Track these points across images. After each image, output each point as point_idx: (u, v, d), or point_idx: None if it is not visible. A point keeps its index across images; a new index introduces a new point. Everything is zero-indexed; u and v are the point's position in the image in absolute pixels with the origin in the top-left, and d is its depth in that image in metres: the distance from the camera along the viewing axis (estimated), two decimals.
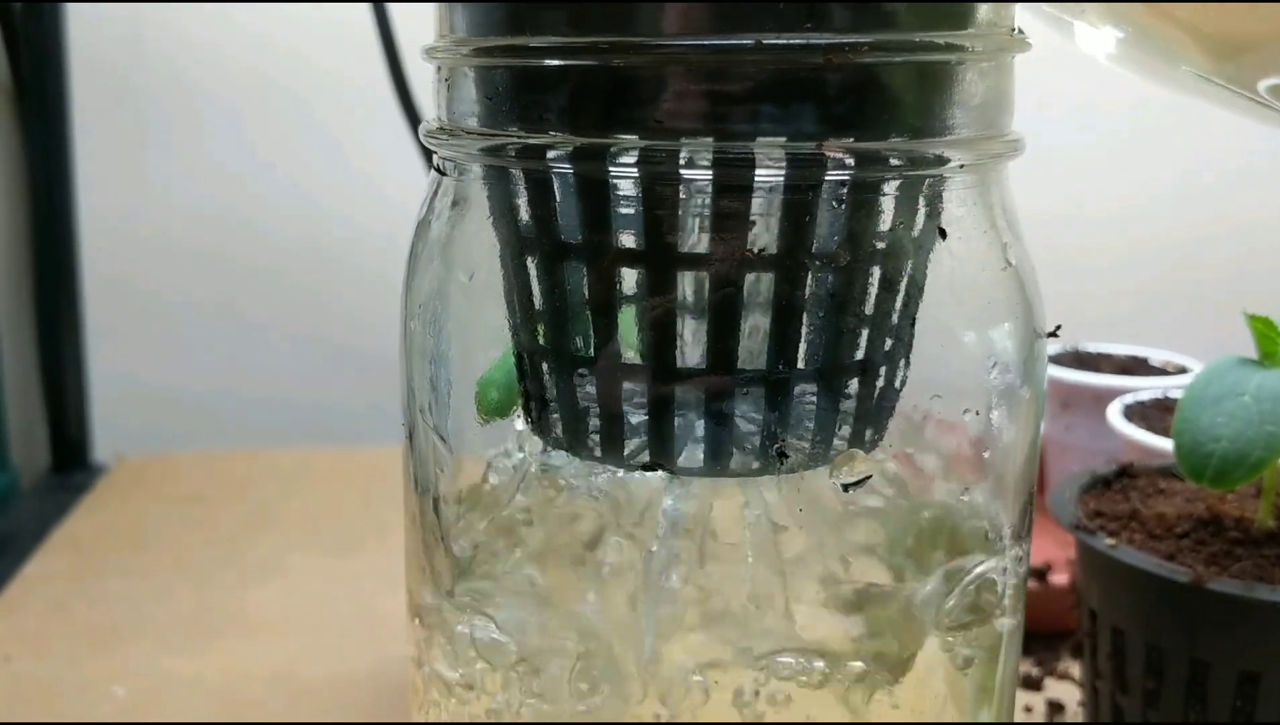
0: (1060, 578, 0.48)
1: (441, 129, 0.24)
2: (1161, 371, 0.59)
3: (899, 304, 0.22)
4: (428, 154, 0.57)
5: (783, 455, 0.23)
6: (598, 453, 0.24)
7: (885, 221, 0.22)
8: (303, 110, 0.75)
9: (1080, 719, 0.43)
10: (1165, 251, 0.81)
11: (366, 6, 0.61)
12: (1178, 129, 0.78)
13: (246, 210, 0.76)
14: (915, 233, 0.22)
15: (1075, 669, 0.46)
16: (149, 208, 0.76)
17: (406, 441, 0.27)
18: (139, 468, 0.69)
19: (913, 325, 0.23)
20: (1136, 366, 0.60)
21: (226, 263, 0.77)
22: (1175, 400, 0.53)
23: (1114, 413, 0.51)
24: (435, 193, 0.25)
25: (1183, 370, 0.59)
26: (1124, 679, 0.36)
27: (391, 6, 0.58)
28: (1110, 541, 0.36)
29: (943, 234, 0.22)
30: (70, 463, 0.72)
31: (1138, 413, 0.52)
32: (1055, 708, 0.44)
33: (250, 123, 0.75)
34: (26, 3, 0.68)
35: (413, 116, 0.57)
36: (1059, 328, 0.25)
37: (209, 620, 0.51)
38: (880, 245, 0.22)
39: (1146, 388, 0.54)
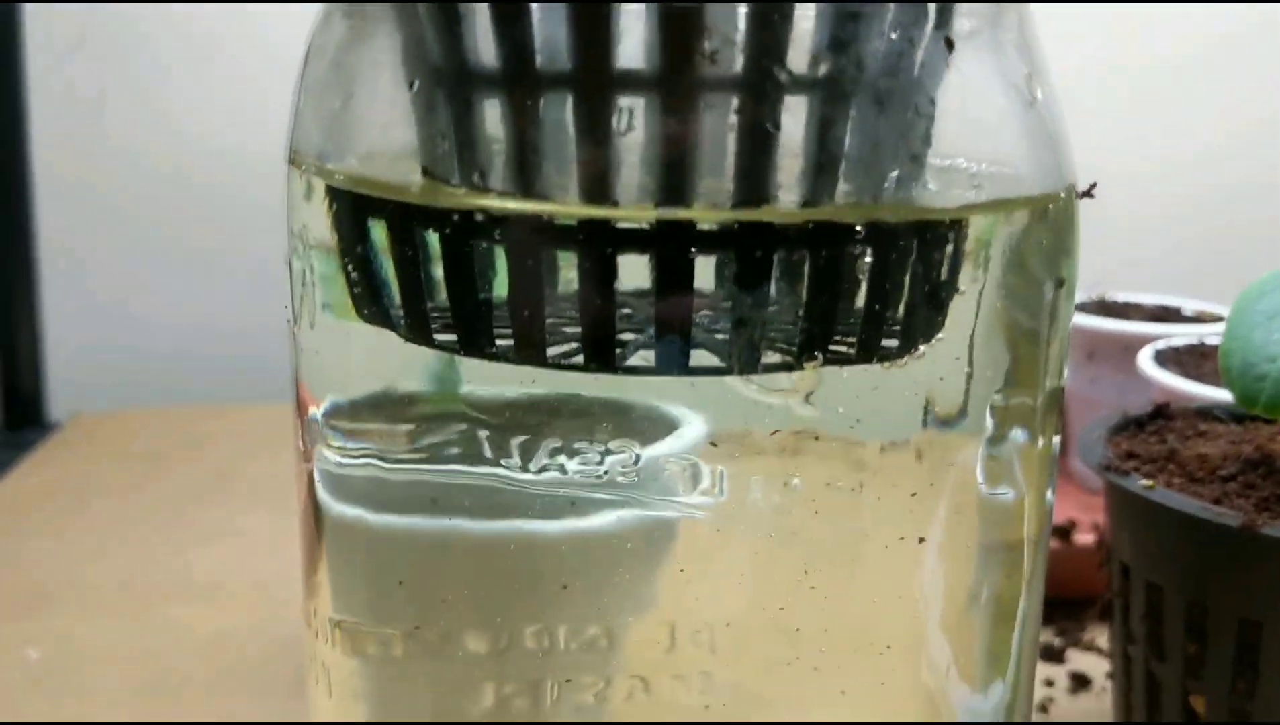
0: (1085, 538, 0.43)
1: None
2: (1196, 321, 0.54)
3: (902, 138, 0.18)
4: None
5: (751, 339, 0.18)
6: (512, 354, 0.19)
7: (881, 28, 0.17)
8: (270, 53, 0.70)
9: (1109, 694, 0.38)
10: (1196, 209, 0.76)
11: None
12: (1209, 84, 0.73)
13: (208, 159, 0.71)
14: (919, 48, 0.18)
15: (1102, 638, 0.41)
16: (107, 154, 0.71)
17: (292, 349, 0.22)
18: (93, 424, 0.64)
19: (919, 168, 0.18)
20: (1167, 316, 0.55)
21: (188, 210, 0.72)
22: (1212, 346, 0.48)
23: (1145, 359, 0.46)
24: (320, 22, 0.21)
25: (1218, 320, 0.54)
26: (1161, 643, 0.31)
27: None
28: (1146, 483, 0.31)
29: (950, 45, 0.18)
30: (24, 420, 0.68)
31: (1171, 359, 0.47)
32: (1080, 681, 0.39)
33: (213, 68, 0.70)
34: None
35: None
36: (1094, 186, 0.20)
37: (145, 584, 0.46)
38: (874, 59, 0.17)
39: (1180, 334, 0.49)
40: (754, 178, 0.17)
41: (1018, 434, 0.22)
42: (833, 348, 0.19)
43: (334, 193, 0.20)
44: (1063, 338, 0.22)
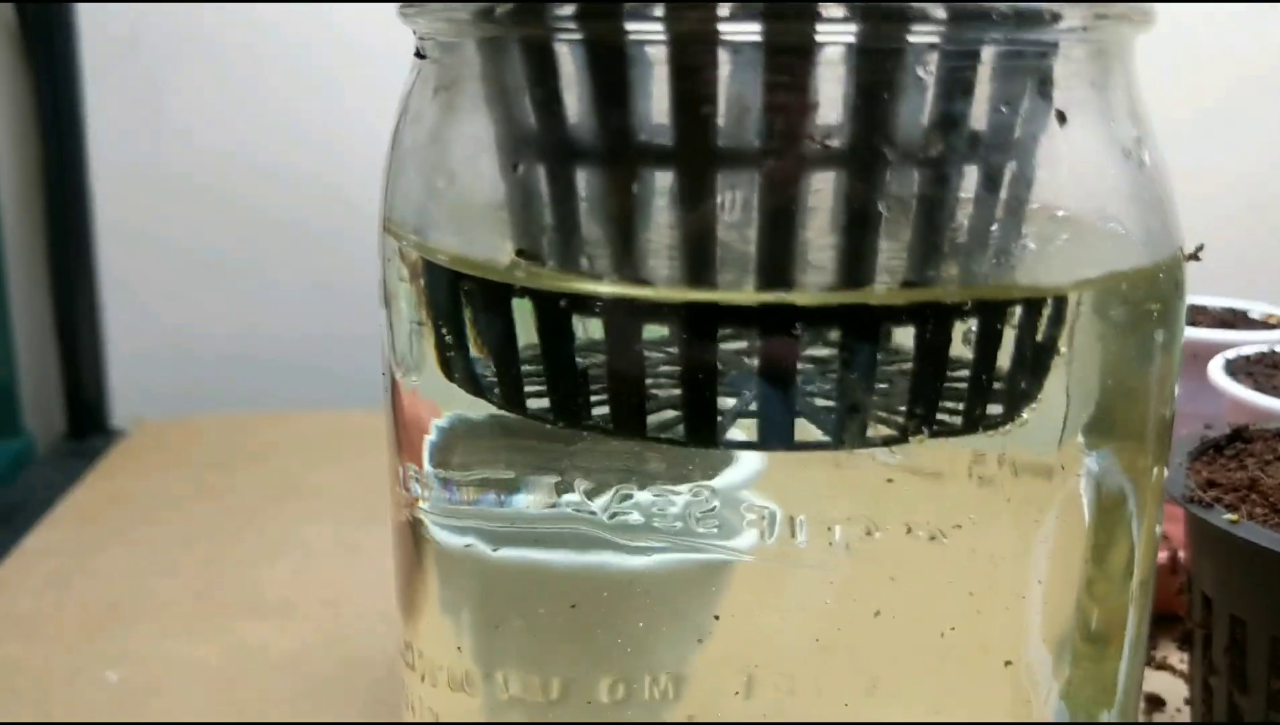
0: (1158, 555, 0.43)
1: None
2: (1263, 325, 0.53)
3: (1004, 210, 0.17)
4: None
5: (860, 418, 0.18)
6: (610, 423, 0.19)
7: (986, 103, 0.17)
8: (325, 50, 0.70)
9: (1183, 716, 0.37)
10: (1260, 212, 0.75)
11: None
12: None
13: (270, 159, 0.71)
14: (1023, 118, 0.17)
15: (1174, 657, 0.40)
16: (165, 157, 0.71)
17: (388, 397, 0.22)
18: (157, 432, 0.65)
19: (1020, 236, 0.18)
20: (1235, 320, 0.54)
21: (250, 216, 0.72)
22: None
23: (1216, 370, 0.45)
24: (413, 87, 0.21)
25: None
26: (1244, 676, 0.31)
27: None
28: (1230, 517, 0.31)
29: (1061, 118, 0.17)
30: (87, 428, 0.69)
31: (1242, 369, 0.46)
32: (1154, 703, 0.39)
33: (271, 65, 0.71)
34: None
35: None
36: (1201, 248, 0.20)
37: (217, 599, 0.47)
38: (980, 133, 0.17)
39: (1250, 342, 0.48)
40: (859, 261, 0.17)
41: (1124, 470, 0.22)
42: (938, 419, 0.18)
43: (430, 267, 0.20)
44: (1171, 376, 0.22)
